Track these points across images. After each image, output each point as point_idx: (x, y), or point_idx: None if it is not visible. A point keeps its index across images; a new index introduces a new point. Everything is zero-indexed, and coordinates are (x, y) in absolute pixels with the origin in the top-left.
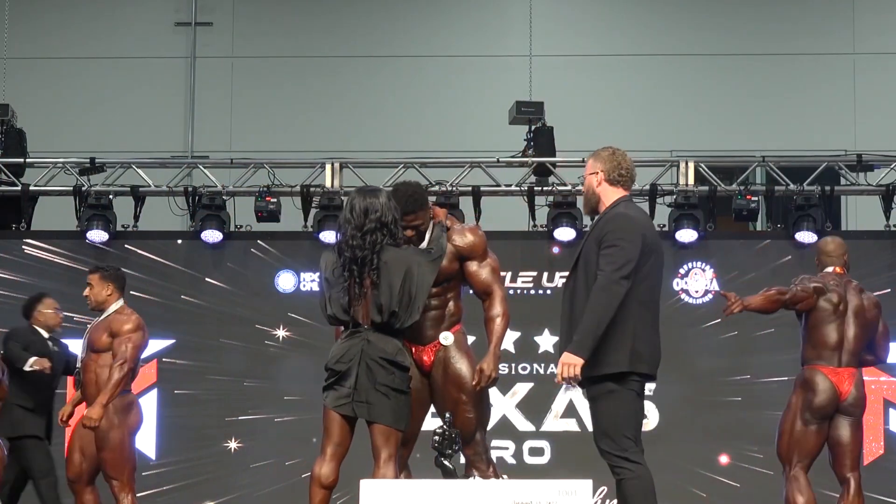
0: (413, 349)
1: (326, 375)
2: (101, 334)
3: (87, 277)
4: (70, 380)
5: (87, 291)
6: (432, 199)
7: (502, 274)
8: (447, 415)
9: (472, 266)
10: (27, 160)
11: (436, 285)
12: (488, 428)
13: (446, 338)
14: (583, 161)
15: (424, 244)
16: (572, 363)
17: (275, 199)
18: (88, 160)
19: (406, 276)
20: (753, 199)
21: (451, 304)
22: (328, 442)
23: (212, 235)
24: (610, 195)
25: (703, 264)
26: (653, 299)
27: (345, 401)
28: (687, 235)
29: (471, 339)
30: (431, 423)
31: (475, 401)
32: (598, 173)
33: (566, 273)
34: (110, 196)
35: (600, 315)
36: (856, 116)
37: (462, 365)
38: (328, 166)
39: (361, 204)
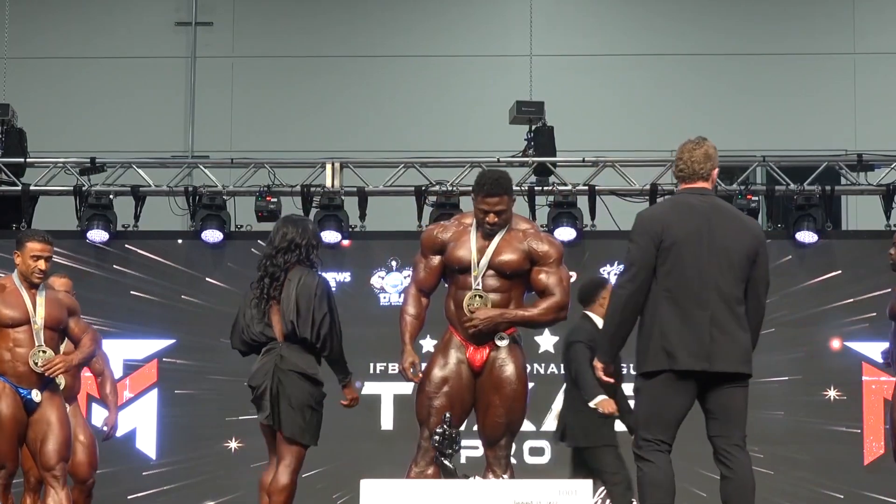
0: (468, 348)
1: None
2: (62, 312)
3: (49, 250)
4: None
5: (45, 266)
6: (432, 198)
7: None
8: (446, 414)
9: (540, 273)
10: (27, 160)
11: (502, 277)
12: None
13: (501, 339)
14: (583, 161)
15: (497, 238)
16: (595, 367)
17: (275, 199)
18: (88, 160)
19: (300, 289)
20: (754, 198)
21: (511, 304)
22: (270, 452)
23: (212, 235)
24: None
25: None
26: (684, 291)
27: (266, 413)
28: None
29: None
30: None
31: (508, 406)
32: None
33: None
34: (110, 196)
35: (609, 319)
36: (856, 116)
37: (507, 368)
38: (328, 166)
39: (282, 229)
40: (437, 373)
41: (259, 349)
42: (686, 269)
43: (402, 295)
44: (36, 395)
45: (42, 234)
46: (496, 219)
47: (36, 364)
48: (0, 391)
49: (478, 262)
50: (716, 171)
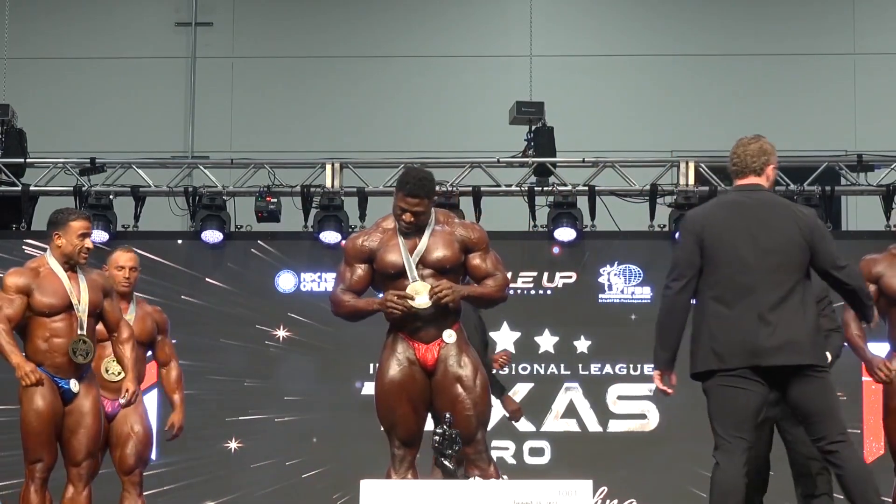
0: (416, 348)
1: None
2: (100, 295)
3: (91, 227)
4: None
5: (91, 245)
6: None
7: None
8: (447, 415)
9: (475, 259)
10: (27, 160)
11: (440, 275)
12: (488, 428)
13: (450, 335)
14: (583, 161)
15: (426, 236)
16: (654, 376)
17: (275, 199)
18: (88, 160)
19: None
20: None
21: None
22: None
23: (212, 235)
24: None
25: None
26: (730, 289)
27: None
28: None
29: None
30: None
31: (474, 399)
32: None
33: (567, 273)
34: (110, 196)
35: (659, 322)
36: (856, 116)
37: (462, 360)
38: (328, 166)
39: None
40: (393, 379)
41: None
42: (731, 267)
43: (331, 299)
44: (74, 386)
45: (81, 210)
46: (412, 219)
47: (74, 353)
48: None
49: (413, 264)
50: (771, 168)
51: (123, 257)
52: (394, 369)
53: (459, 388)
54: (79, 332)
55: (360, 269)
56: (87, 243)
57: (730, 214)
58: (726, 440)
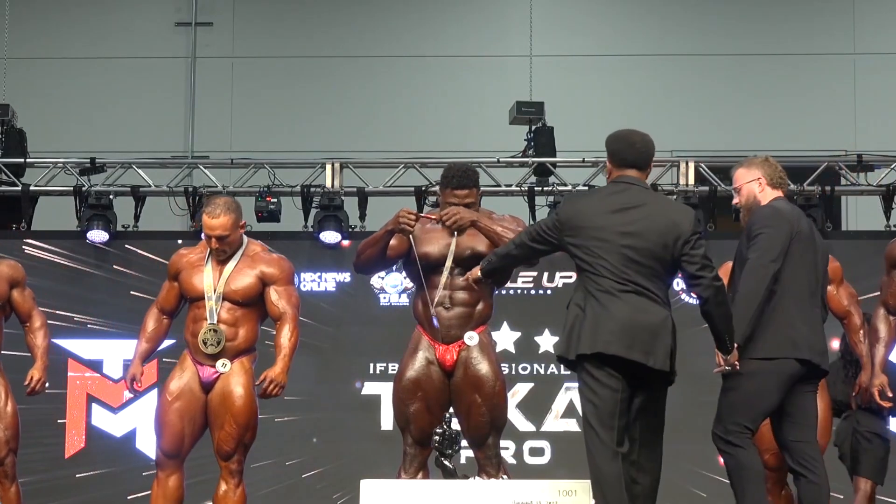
0: (436, 347)
1: None
2: (3, 286)
3: None
4: None
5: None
6: (432, 198)
7: None
8: (447, 414)
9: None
10: (27, 160)
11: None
12: None
13: (471, 338)
14: (583, 161)
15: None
16: (733, 355)
17: (275, 199)
18: (88, 160)
19: None
20: None
21: (480, 303)
22: None
23: None
24: (769, 197)
25: None
26: (803, 287)
27: None
28: None
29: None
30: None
31: (490, 404)
32: (759, 179)
33: (567, 273)
34: (110, 196)
35: (750, 297)
36: (856, 116)
37: (482, 366)
38: (328, 166)
39: None
40: (409, 377)
41: None
42: (803, 266)
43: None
44: None
45: None
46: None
47: None
48: None
49: (449, 260)
50: None
51: (208, 225)
52: (412, 368)
53: (475, 392)
54: None
55: (395, 240)
56: None
57: (802, 220)
58: (746, 430)
